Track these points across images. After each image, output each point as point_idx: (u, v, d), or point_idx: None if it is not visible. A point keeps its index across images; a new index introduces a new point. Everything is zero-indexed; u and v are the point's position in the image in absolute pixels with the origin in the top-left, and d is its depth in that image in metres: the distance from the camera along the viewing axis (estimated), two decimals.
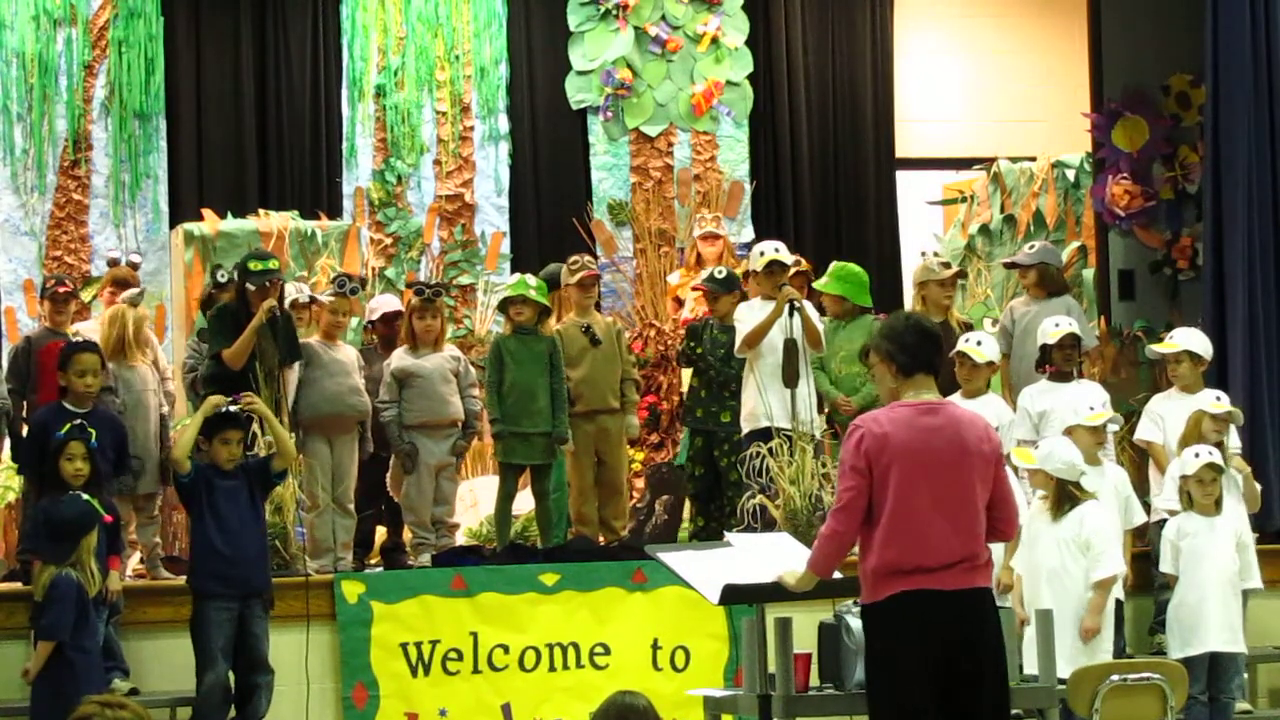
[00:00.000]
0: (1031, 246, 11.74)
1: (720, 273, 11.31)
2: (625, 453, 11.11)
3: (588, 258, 11.41)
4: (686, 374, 11.69)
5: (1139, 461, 10.96)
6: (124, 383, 10.10)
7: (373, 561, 10.84)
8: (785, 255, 10.92)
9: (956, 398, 9.70)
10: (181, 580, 9.70)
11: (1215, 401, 10.08)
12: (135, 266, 12.04)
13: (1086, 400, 10.03)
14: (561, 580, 10.05)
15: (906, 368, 6.53)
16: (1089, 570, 9.08)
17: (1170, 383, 10.68)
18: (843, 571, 6.75)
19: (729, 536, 8.02)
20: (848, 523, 6.46)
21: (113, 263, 12.04)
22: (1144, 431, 10.62)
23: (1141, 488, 10.54)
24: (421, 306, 10.62)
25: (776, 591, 6.81)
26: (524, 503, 11.10)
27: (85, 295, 12.27)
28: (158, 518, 10.30)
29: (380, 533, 11.02)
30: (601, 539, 10.74)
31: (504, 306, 10.79)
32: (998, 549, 8.24)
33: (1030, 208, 14.10)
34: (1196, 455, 9.67)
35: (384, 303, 11.28)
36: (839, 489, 6.50)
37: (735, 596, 6.99)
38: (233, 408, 9.36)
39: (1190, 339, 10.56)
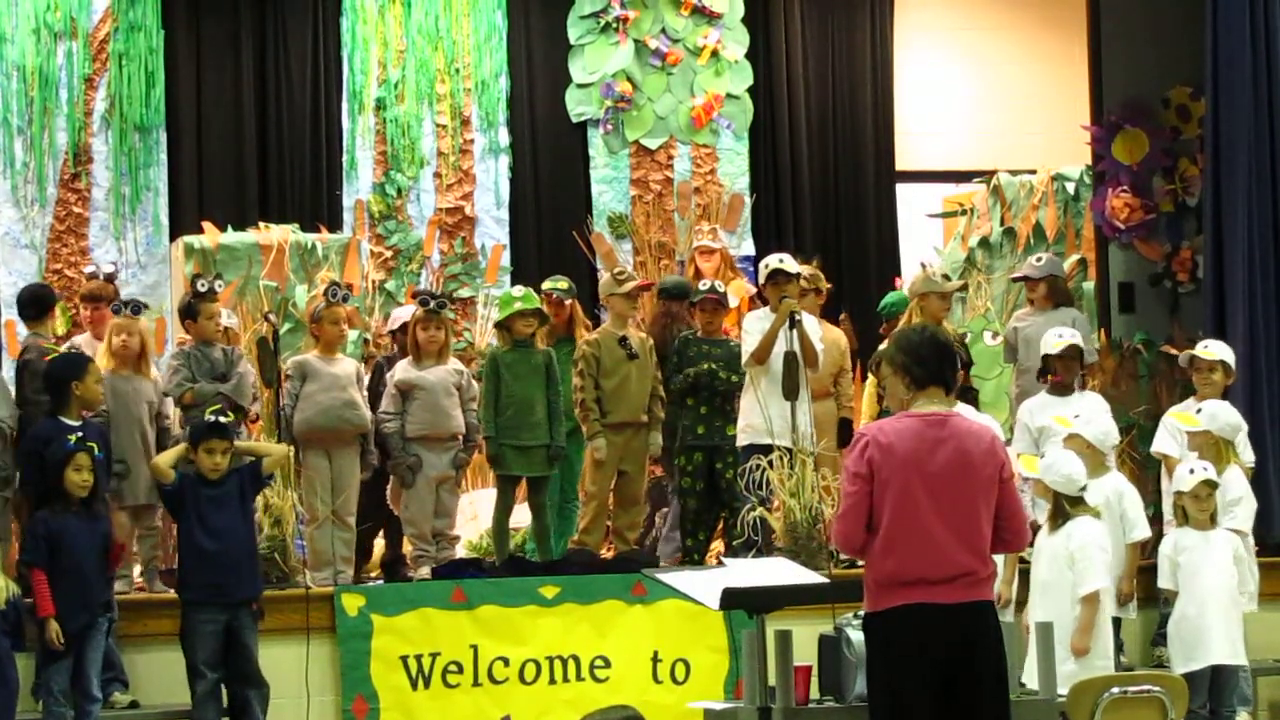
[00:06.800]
0: (1039, 259, 11.74)
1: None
2: (646, 466, 11.10)
3: (630, 270, 11.41)
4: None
5: (1139, 474, 10.95)
6: (113, 392, 10.06)
7: (371, 574, 10.84)
8: (790, 265, 10.87)
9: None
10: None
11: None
12: (111, 278, 12.08)
13: (1087, 413, 10.05)
14: (561, 593, 10.04)
15: (920, 380, 6.56)
16: (1075, 584, 9.07)
17: (1183, 395, 10.71)
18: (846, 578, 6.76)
19: (724, 560, 8.01)
20: (851, 525, 6.49)
21: (91, 277, 12.10)
22: (1161, 444, 10.58)
23: (1152, 499, 10.53)
24: (425, 317, 10.58)
25: (776, 596, 6.81)
26: (522, 515, 11.08)
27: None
28: (158, 529, 10.28)
29: (378, 545, 11.01)
30: (612, 549, 10.74)
31: (505, 325, 10.64)
32: (1000, 560, 8.24)
33: (1030, 220, 14.08)
34: (1191, 471, 9.65)
35: (406, 313, 11.21)
36: (842, 495, 6.56)
37: (735, 600, 6.98)
38: (223, 418, 9.37)
39: (1226, 351, 10.60)
